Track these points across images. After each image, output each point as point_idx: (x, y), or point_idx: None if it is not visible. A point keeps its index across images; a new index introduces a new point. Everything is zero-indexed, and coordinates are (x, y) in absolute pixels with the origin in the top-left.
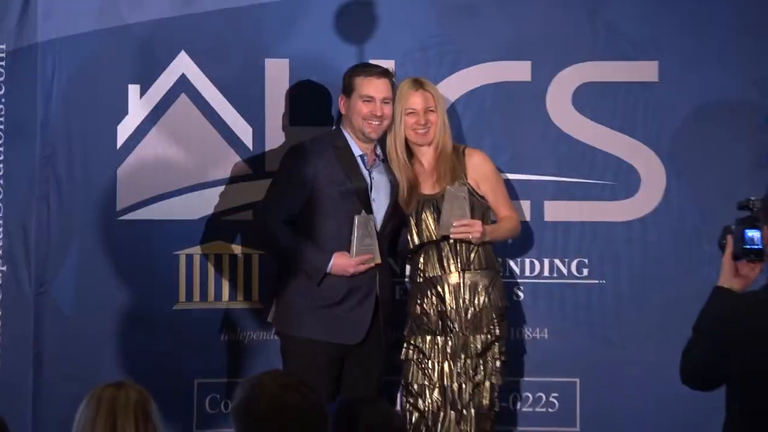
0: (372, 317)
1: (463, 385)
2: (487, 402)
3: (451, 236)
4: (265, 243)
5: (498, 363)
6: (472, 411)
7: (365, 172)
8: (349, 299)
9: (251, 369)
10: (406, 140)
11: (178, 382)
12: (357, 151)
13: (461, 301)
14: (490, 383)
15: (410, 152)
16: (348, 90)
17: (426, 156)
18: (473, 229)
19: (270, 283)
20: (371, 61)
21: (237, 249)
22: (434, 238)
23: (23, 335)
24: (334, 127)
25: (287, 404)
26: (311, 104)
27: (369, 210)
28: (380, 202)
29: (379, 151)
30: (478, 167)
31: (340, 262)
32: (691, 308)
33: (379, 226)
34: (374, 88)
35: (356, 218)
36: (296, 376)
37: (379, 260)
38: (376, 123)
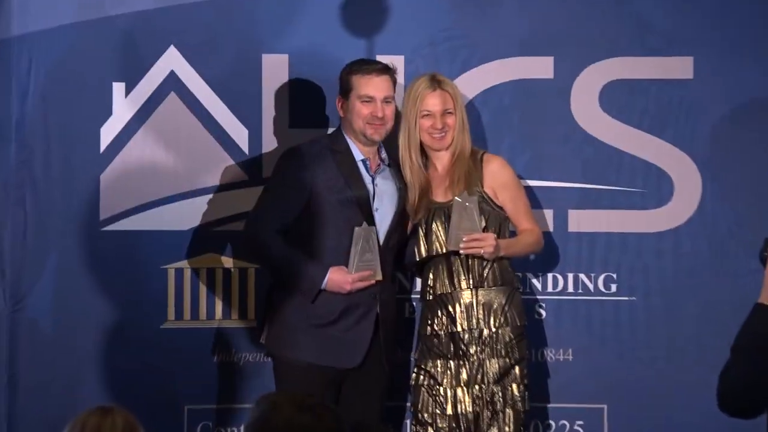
0: (372, 338)
1: (480, 414)
2: (510, 431)
3: (460, 252)
4: (256, 255)
5: (521, 388)
6: None
7: (367, 179)
8: (345, 318)
9: (246, 393)
10: (421, 143)
11: (167, 408)
12: (359, 155)
13: (474, 321)
14: (513, 411)
15: (425, 154)
16: (345, 90)
17: (442, 160)
18: (485, 244)
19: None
20: (378, 57)
21: (231, 262)
22: (443, 250)
23: None
24: (332, 130)
25: (301, 426)
26: (312, 104)
27: (371, 221)
28: (384, 212)
29: (384, 154)
30: (496, 174)
31: (337, 278)
32: (729, 321)
33: (382, 239)
34: (374, 87)
35: (356, 230)
36: (314, 397)
37: (380, 277)
38: (378, 124)
